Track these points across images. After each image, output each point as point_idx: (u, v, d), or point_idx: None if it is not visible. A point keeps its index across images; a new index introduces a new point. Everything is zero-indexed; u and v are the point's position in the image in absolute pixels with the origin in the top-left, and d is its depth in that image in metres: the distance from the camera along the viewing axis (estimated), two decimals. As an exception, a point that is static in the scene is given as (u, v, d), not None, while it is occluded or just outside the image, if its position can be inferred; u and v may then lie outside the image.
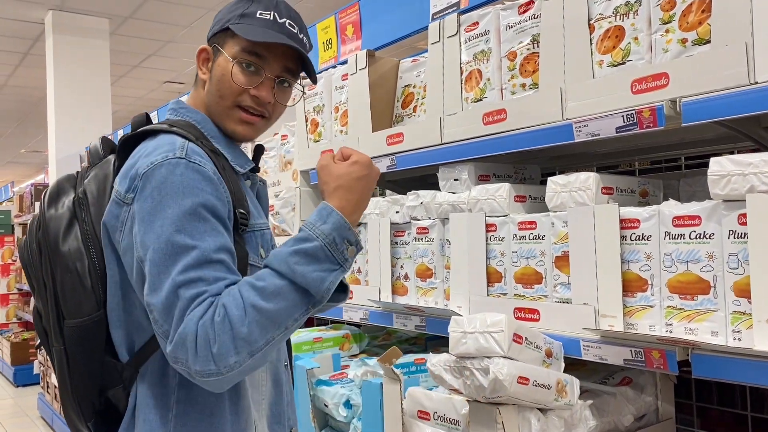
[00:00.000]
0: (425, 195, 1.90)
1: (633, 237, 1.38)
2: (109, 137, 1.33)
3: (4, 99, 10.88)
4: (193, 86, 1.34)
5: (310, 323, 2.72)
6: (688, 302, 1.29)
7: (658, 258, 1.34)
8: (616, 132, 1.39)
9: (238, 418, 1.19)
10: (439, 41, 1.86)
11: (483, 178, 1.80)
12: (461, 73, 1.79)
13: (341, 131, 2.32)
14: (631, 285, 1.38)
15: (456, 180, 1.82)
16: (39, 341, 1.28)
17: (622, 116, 1.37)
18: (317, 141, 2.44)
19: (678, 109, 1.28)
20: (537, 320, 1.55)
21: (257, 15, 1.24)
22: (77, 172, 1.30)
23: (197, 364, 1.01)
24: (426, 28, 2.40)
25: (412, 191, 1.96)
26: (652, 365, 1.30)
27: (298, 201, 2.47)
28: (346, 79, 2.27)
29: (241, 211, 1.18)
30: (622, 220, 1.39)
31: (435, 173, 2.43)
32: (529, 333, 1.40)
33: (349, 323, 2.30)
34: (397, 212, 2.02)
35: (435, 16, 2.34)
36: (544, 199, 1.72)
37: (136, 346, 1.18)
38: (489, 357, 1.34)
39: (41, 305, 1.23)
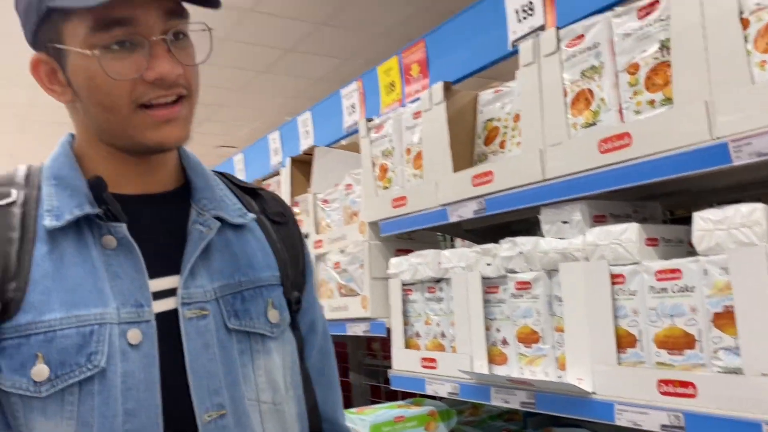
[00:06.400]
0: (524, 242, 1.59)
1: (831, 285, 1.05)
2: None
3: None
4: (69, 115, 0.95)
5: (391, 397, 2.39)
6: None
7: None
8: (796, 148, 1.07)
9: None
10: (533, 62, 1.58)
11: (598, 219, 1.49)
12: (565, 95, 1.51)
13: (415, 175, 2.05)
14: (833, 349, 1.04)
15: (565, 222, 1.51)
16: None
17: (806, 127, 1.05)
18: (387, 188, 2.17)
19: None
20: (692, 396, 1.20)
21: None
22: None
23: None
24: (505, 57, 2.16)
25: (506, 239, 1.65)
26: None
27: (367, 256, 2.19)
28: (419, 116, 2.02)
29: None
30: (812, 263, 1.06)
31: (523, 219, 2.14)
32: None
33: (434, 398, 1.97)
34: (488, 264, 1.71)
35: (515, 44, 2.09)
36: (680, 242, 1.40)
37: None
38: None
39: None
